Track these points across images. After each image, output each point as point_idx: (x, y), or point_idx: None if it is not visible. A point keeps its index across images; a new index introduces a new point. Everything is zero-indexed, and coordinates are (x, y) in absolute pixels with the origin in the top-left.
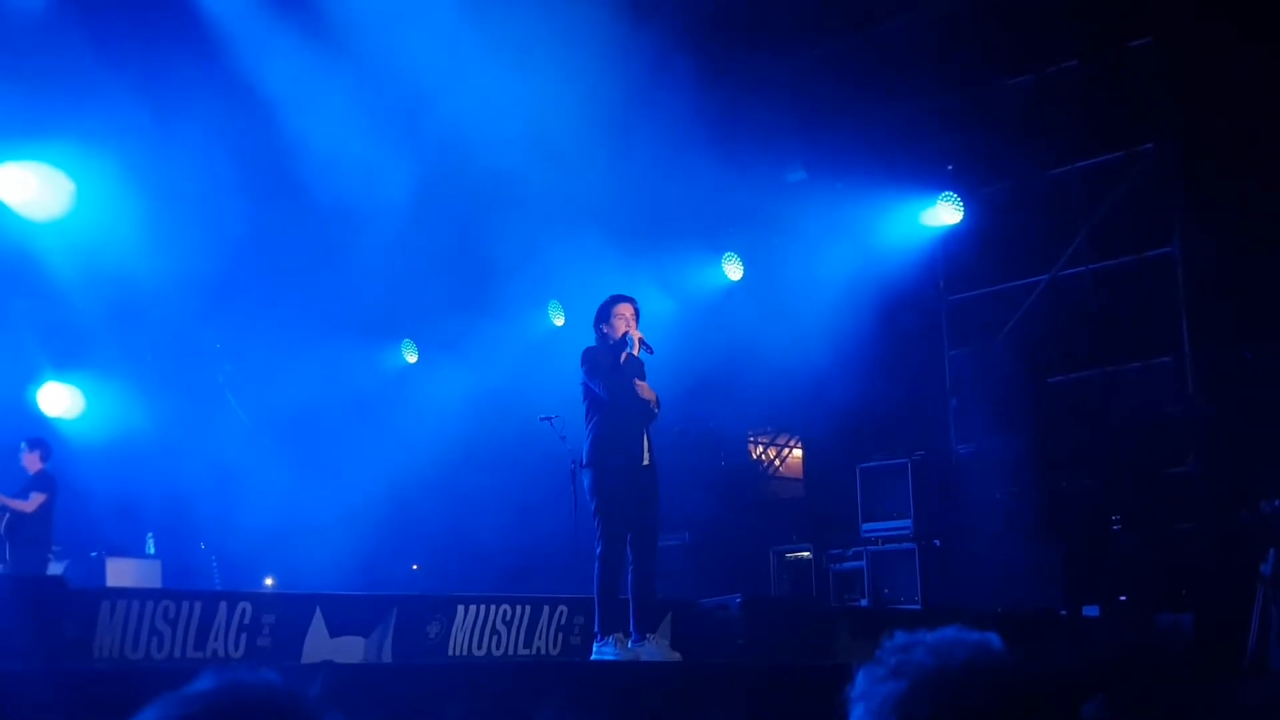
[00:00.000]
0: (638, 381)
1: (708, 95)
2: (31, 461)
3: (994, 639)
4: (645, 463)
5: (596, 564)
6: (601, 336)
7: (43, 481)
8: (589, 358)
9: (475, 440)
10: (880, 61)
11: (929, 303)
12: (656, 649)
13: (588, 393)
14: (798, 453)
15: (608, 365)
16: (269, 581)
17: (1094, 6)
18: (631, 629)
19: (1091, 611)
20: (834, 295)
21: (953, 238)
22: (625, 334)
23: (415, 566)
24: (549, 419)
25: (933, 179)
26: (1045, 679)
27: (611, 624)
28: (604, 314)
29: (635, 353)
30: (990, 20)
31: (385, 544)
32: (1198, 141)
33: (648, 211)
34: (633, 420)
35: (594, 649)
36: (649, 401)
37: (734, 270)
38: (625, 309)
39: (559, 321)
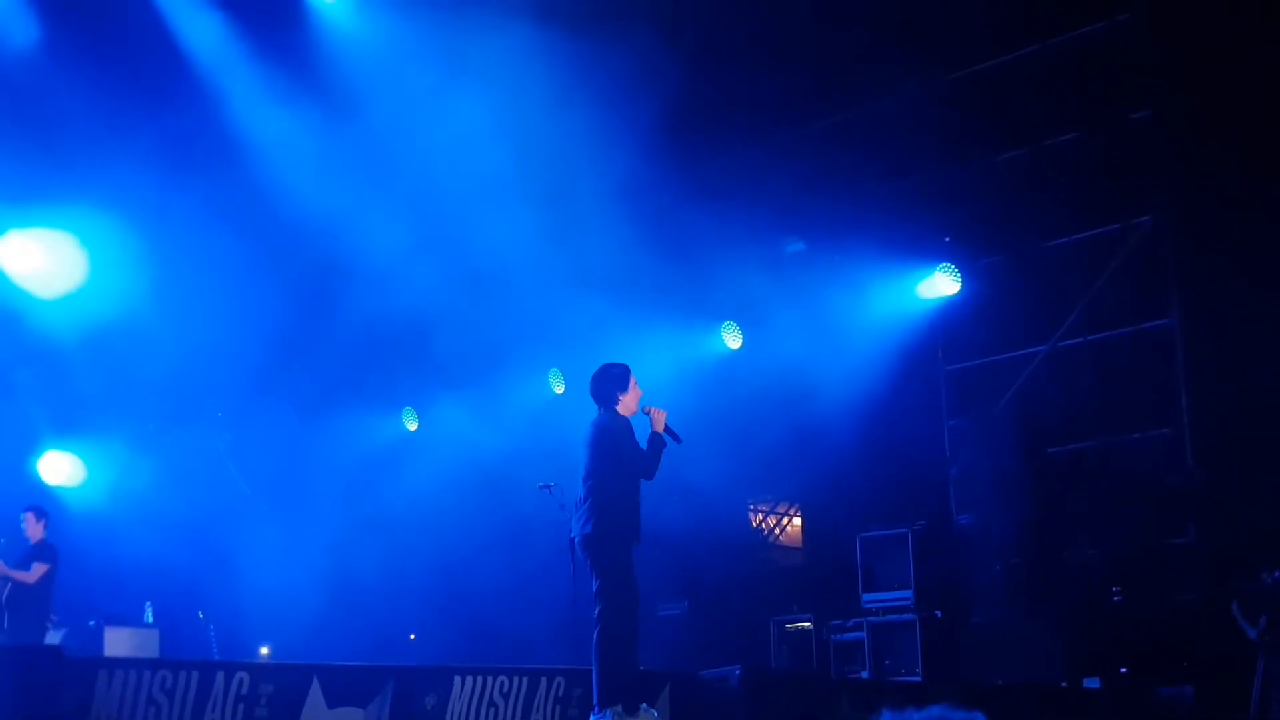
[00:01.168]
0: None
1: (709, 167)
2: (35, 530)
3: (980, 718)
4: (639, 530)
5: (598, 635)
6: (615, 404)
7: (45, 552)
8: (624, 431)
9: (474, 508)
10: (879, 134)
11: (928, 372)
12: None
13: (604, 466)
14: (797, 521)
15: (631, 445)
16: (264, 651)
17: (1092, 81)
18: (595, 701)
19: (1093, 683)
20: (833, 365)
21: (951, 308)
22: (649, 413)
23: (412, 636)
24: (548, 487)
25: (931, 250)
26: None
27: (612, 696)
28: (619, 383)
29: (659, 430)
30: (988, 93)
31: (382, 613)
32: (1195, 214)
33: (648, 280)
34: (638, 494)
35: None
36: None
37: (733, 339)
38: (634, 380)
39: (559, 389)
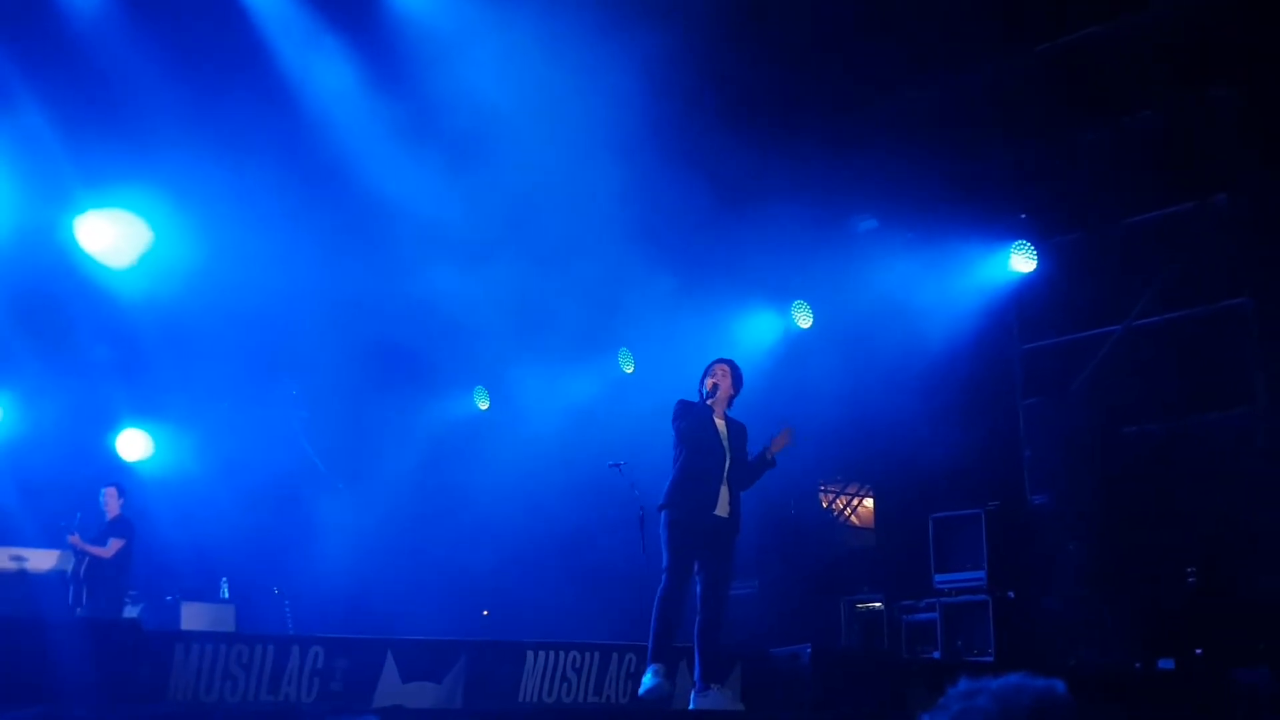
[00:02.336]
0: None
1: (781, 145)
2: (113, 505)
3: (1059, 686)
4: (721, 514)
5: (656, 596)
6: (698, 391)
7: (121, 527)
8: (677, 406)
9: (545, 487)
10: (954, 111)
11: (1002, 352)
12: (721, 697)
13: (673, 440)
14: (869, 502)
15: (686, 413)
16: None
17: (1169, 58)
18: (696, 678)
19: (1167, 664)
20: (905, 344)
21: (1026, 287)
22: (703, 387)
23: (485, 612)
24: (618, 465)
25: (1006, 228)
26: None
27: (656, 654)
28: (705, 372)
29: (710, 403)
30: (1064, 70)
31: (454, 588)
32: (1272, 192)
33: (719, 259)
34: (708, 471)
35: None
36: (733, 459)
37: (804, 319)
38: (718, 367)
39: (629, 369)
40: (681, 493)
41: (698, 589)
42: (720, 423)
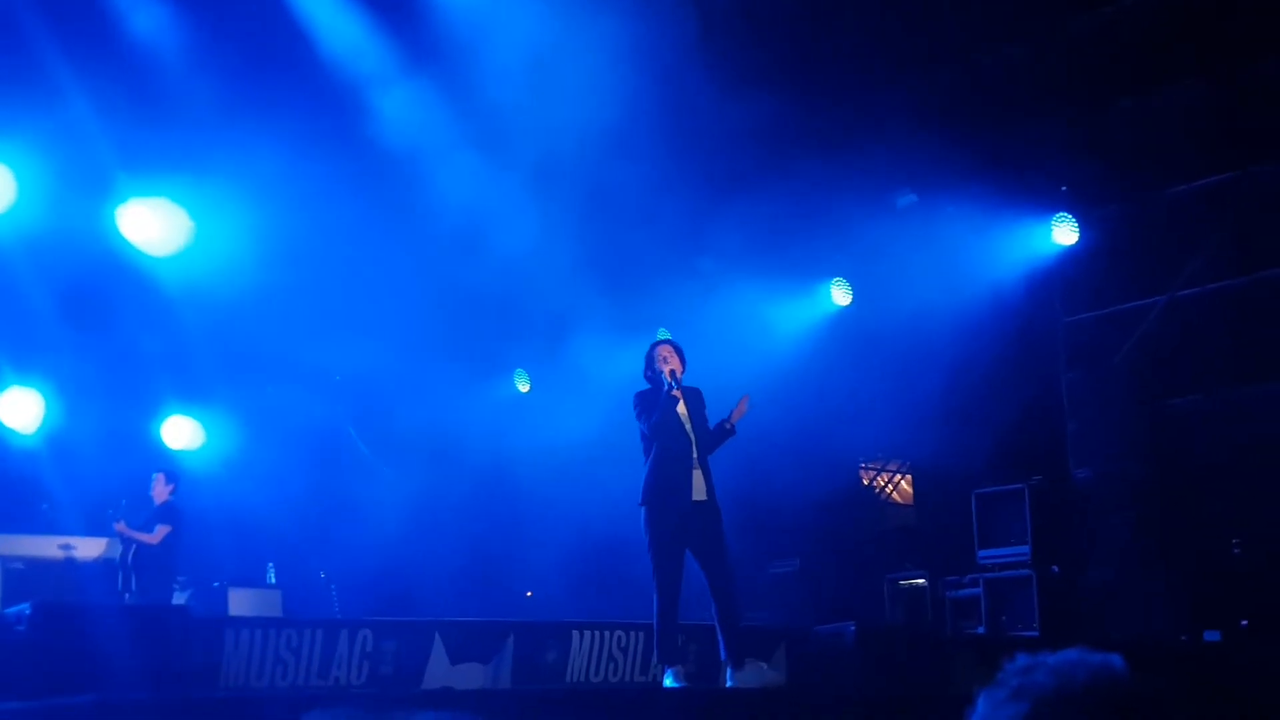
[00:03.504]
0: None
1: (818, 120)
2: (161, 492)
3: (1117, 660)
4: (699, 499)
5: (654, 598)
6: (648, 380)
7: (168, 513)
8: (636, 401)
9: (586, 467)
10: (993, 84)
11: (1044, 325)
12: (754, 673)
13: (640, 434)
14: (909, 478)
15: (645, 405)
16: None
17: (1210, 26)
18: (724, 658)
19: (1213, 636)
20: (945, 319)
21: (1068, 259)
22: (661, 375)
23: (529, 594)
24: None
25: (1047, 200)
26: (1169, 701)
27: (670, 655)
28: (648, 360)
29: (675, 393)
30: (1104, 40)
31: (499, 570)
32: None
33: (757, 237)
34: (679, 459)
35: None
36: (699, 442)
37: (842, 296)
38: (663, 350)
39: None
40: (658, 486)
41: (705, 581)
42: (682, 407)
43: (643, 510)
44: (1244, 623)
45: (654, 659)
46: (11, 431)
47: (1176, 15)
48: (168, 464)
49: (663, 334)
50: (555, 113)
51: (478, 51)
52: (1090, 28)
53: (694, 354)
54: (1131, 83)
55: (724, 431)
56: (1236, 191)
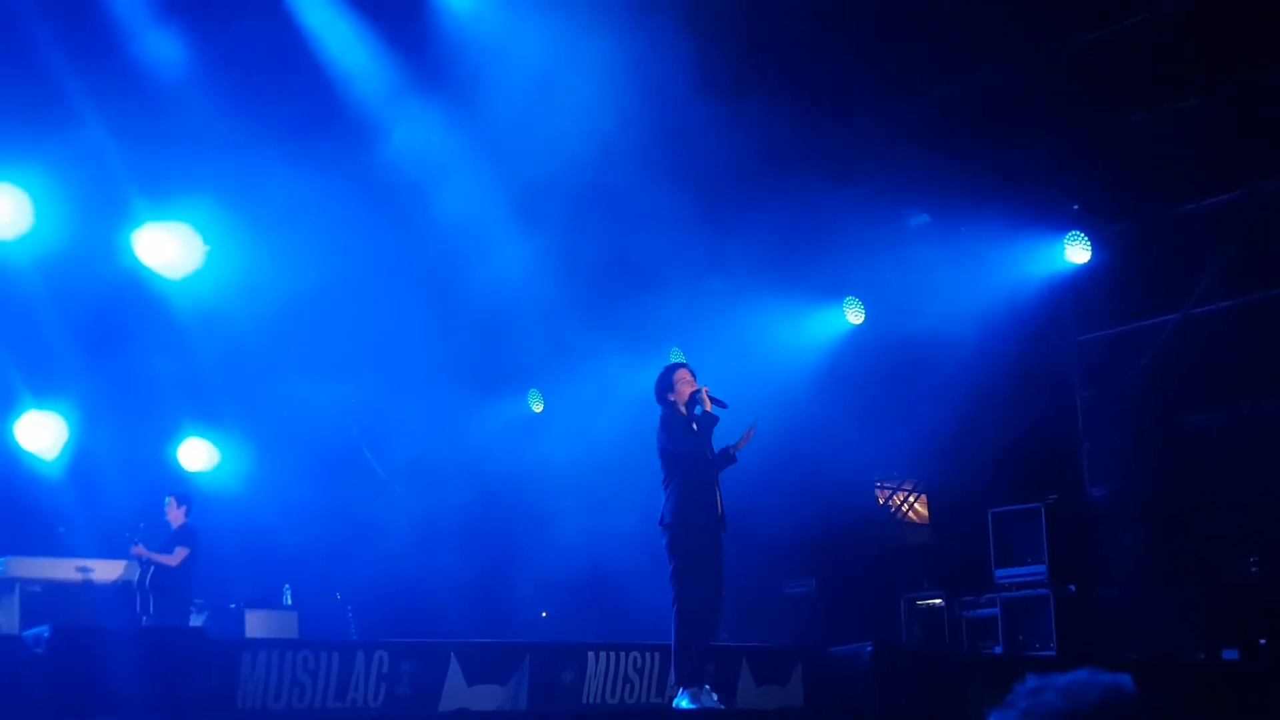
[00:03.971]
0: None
1: (830, 140)
2: (176, 515)
3: (1126, 681)
4: (721, 517)
5: (676, 619)
6: (670, 404)
7: (186, 536)
8: (666, 424)
9: (599, 488)
10: (1003, 103)
11: (1057, 344)
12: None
13: (665, 457)
14: (925, 498)
15: (682, 429)
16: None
17: (1219, 43)
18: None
19: (1231, 655)
20: (959, 338)
21: (1081, 277)
22: (693, 394)
23: (544, 614)
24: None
25: (1059, 219)
26: None
27: (691, 676)
28: (666, 384)
29: (708, 409)
30: (1114, 58)
31: (514, 591)
32: None
33: (770, 258)
34: (708, 480)
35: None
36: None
37: (856, 315)
38: (684, 374)
39: None
40: (690, 508)
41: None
42: None
43: (668, 532)
44: (1263, 641)
45: (672, 680)
46: (29, 454)
47: (1186, 33)
48: (179, 487)
49: (678, 355)
50: (564, 134)
51: (489, 75)
52: (1100, 46)
53: (706, 373)
54: (1142, 101)
55: (728, 458)
56: (1248, 208)
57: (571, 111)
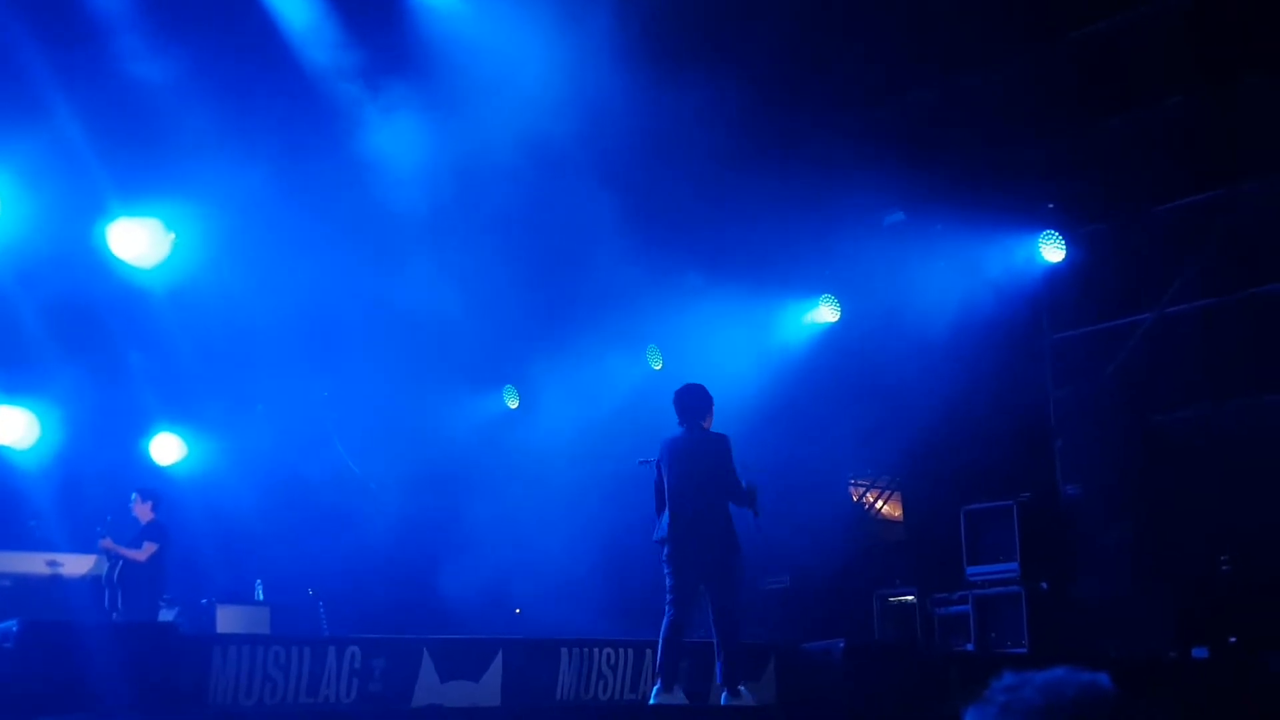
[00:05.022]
0: None
1: (806, 139)
2: (143, 511)
3: (1104, 679)
4: None
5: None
6: (706, 423)
7: (155, 531)
8: (730, 453)
9: (574, 484)
10: (979, 103)
11: (1032, 342)
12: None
13: (730, 481)
14: (898, 495)
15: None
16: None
17: (1196, 44)
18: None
19: (1200, 653)
20: (933, 336)
21: (1055, 276)
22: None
23: (518, 610)
24: (648, 462)
25: (1034, 218)
26: (1157, 719)
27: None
28: (706, 407)
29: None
30: (1092, 59)
31: (489, 586)
32: None
33: (745, 255)
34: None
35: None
36: None
37: (831, 312)
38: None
39: (657, 366)
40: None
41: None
42: None
43: (730, 554)
44: (1232, 639)
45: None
46: (2, 448)
47: (1162, 34)
48: (144, 483)
49: (654, 353)
50: (540, 131)
51: (467, 69)
52: (1077, 47)
53: (684, 372)
54: (1118, 101)
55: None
56: (1223, 208)
57: (548, 111)
